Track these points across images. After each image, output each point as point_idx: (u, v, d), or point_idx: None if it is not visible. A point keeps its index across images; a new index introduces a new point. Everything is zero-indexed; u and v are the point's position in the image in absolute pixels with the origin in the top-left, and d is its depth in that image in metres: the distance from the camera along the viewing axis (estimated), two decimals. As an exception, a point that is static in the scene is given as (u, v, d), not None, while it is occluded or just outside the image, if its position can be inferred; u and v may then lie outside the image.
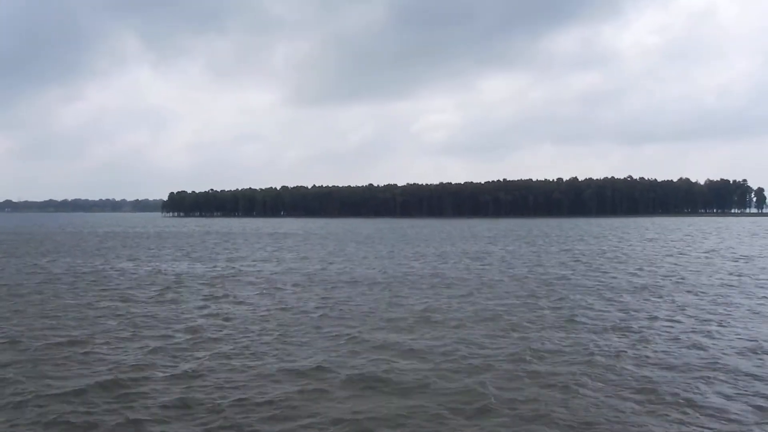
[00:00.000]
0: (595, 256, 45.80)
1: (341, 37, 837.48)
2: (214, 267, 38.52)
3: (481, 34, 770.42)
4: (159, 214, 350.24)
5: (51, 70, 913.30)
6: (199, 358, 14.60)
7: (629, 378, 12.86)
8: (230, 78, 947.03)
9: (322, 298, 24.46)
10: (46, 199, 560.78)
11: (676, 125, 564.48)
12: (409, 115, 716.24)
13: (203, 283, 29.57)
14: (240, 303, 23.33)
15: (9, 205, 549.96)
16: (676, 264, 38.92)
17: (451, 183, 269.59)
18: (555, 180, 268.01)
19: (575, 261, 41.94)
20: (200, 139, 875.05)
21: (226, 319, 19.79)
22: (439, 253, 49.46)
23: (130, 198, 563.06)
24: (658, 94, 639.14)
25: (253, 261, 43.21)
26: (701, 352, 14.99)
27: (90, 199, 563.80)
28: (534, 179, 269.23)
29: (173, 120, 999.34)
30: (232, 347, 15.79)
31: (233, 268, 37.77)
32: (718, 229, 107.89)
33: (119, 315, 20.54)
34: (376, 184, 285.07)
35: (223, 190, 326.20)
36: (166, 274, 34.00)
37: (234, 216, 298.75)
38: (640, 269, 35.72)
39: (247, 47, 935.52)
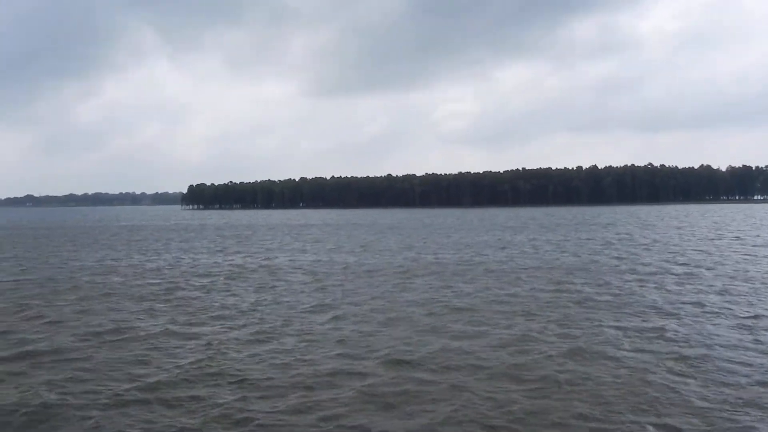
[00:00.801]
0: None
1: (358, 27, 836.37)
2: (314, 259, 38.31)
3: (499, 23, 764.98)
4: (178, 207, 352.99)
5: (69, 66, 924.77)
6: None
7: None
8: (247, 70, 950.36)
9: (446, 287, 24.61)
10: (67, 193, 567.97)
11: (696, 111, 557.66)
12: (426, 104, 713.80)
13: (307, 278, 28.58)
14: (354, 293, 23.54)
15: (30, 200, 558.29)
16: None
17: (469, 172, 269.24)
18: (574, 168, 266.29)
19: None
20: (218, 131, 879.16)
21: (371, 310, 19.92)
22: (505, 242, 49.84)
23: (149, 191, 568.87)
24: (677, 80, 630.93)
25: (330, 252, 42.87)
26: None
27: (110, 192, 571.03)
28: (553, 168, 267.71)
29: (191, 112, 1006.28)
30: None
31: (322, 259, 37.59)
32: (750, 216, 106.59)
33: (240, 308, 20.57)
34: (394, 174, 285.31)
35: (242, 182, 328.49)
36: (274, 266, 34.13)
37: (253, 208, 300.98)
38: None
39: (263, 39, 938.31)
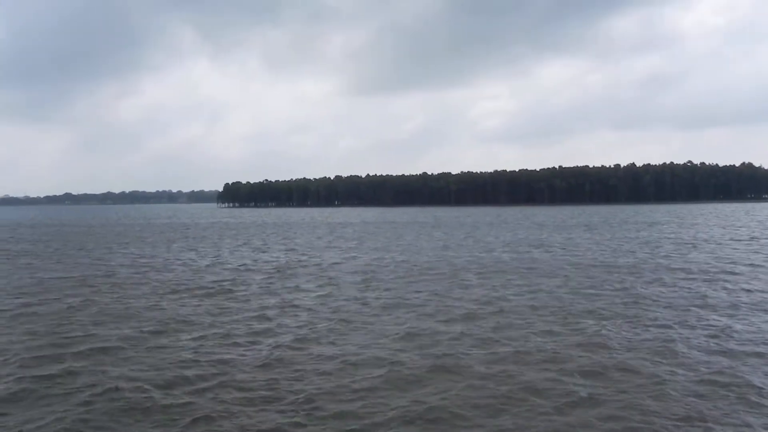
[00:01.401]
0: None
1: (396, 25, 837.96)
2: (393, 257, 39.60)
3: (538, 19, 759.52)
4: (214, 205, 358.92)
5: (108, 66, 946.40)
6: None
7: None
8: (285, 68, 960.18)
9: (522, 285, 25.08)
10: (105, 191, 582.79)
11: (740, 108, 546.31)
12: (463, 102, 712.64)
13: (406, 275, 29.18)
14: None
15: (69, 198, 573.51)
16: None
17: (506, 171, 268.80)
18: (612, 166, 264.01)
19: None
20: (255, 130, 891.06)
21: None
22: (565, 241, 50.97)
23: (185, 189, 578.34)
24: (722, 76, 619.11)
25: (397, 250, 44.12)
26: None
27: (147, 191, 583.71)
28: (590, 165, 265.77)
29: (228, 112, 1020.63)
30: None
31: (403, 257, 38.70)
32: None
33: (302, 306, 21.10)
34: (429, 173, 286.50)
35: (278, 180, 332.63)
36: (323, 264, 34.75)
37: (288, 206, 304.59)
38: None
39: (302, 37, 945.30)
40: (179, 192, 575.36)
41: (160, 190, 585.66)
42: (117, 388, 11.82)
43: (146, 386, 11.99)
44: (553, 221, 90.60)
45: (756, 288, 23.37)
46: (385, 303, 21.28)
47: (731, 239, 49.07)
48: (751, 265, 31.09)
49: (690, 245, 43.77)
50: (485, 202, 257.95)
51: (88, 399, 11.39)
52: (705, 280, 25.80)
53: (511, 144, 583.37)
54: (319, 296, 23.14)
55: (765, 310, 18.99)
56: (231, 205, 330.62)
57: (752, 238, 50.44)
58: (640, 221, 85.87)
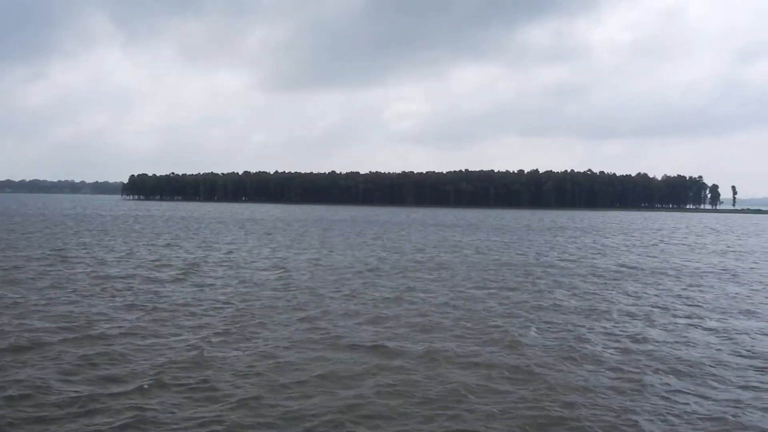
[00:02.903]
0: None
1: (318, 22, 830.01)
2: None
3: (457, 24, 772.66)
4: (119, 196, 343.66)
5: (17, 50, 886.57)
6: None
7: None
8: (202, 61, 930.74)
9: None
10: (4, 179, 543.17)
11: (639, 121, 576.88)
12: (378, 103, 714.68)
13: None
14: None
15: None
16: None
17: (413, 172, 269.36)
18: (516, 171, 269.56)
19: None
20: (166, 121, 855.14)
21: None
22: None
23: (89, 180, 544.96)
24: (624, 90, 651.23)
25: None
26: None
27: (48, 180, 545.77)
28: (496, 170, 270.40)
29: (140, 102, 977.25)
30: None
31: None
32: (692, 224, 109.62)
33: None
34: (339, 172, 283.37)
35: (185, 174, 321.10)
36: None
37: (195, 200, 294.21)
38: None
39: (222, 30, 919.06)
40: (82, 182, 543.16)
41: (63, 179, 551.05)
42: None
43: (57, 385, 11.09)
44: (465, 222, 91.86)
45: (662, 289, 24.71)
46: (298, 303, 20.04)
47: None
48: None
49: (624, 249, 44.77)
50: (392, 203, 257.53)
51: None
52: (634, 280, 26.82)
53: (423, 146, 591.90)
54: (231, 293, 21.72)
55: (666, 308, 20.37)
56: (136, 197, 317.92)
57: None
58: (558, 225, 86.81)
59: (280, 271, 28.39)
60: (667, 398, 11.25)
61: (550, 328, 16.94)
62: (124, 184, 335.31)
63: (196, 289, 22.41)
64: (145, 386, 11.14)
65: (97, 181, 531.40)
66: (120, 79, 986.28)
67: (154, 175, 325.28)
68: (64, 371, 11.96)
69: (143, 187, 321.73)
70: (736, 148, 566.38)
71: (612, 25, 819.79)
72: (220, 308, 18.78)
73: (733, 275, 30.74)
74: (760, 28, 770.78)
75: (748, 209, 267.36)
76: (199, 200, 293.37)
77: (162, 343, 14.22)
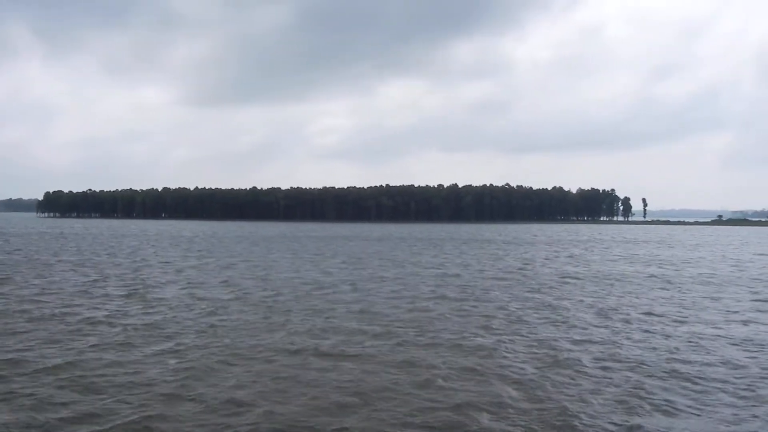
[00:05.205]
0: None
1: (245, 37, 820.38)
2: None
3: (385, 40, 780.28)
4: (33, 214, 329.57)
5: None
6: None
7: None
8: (125, 75, 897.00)
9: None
10: None
11: (558, 136, 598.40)
12: (303, 118, 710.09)
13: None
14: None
15: None
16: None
17: (334, 187, 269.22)
18: (436, 186, 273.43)
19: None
20: (84, 136, 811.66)
21: None
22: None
23: (2, 197, 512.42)
24: (545, 105, 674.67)
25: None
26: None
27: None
28: (416, 185, 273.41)
29: (59, 116, 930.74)
30: None
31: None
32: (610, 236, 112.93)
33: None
34: (260, 187, 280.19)
35: (102, 191, 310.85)
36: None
37: (113, 217, 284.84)
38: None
39: (146, 44, 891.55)
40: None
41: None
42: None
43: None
44: (379, 235, 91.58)
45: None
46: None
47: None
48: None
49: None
50: (314, 218, 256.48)
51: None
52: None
53: (346, 161, 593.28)
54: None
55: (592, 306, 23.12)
56: (52, 215, 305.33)
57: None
58: (476, 238, 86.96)
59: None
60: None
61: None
62: (39, 201, 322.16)
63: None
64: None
65: (10, 198, 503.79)
66: (39, 93, 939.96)
67: (71, 191, 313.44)
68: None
69: (59, 204, 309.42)
70: (646, 162, 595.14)
71: (535, 42, 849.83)
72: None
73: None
74: (672, 47, 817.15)
75: (658, 220, 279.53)
76: (117, 217, 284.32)
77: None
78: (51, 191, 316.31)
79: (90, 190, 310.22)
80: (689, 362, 14.64)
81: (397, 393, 12.02)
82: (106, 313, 20.83)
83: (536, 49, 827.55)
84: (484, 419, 10.66)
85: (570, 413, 10.91)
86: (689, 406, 11.44)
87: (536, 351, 15.59)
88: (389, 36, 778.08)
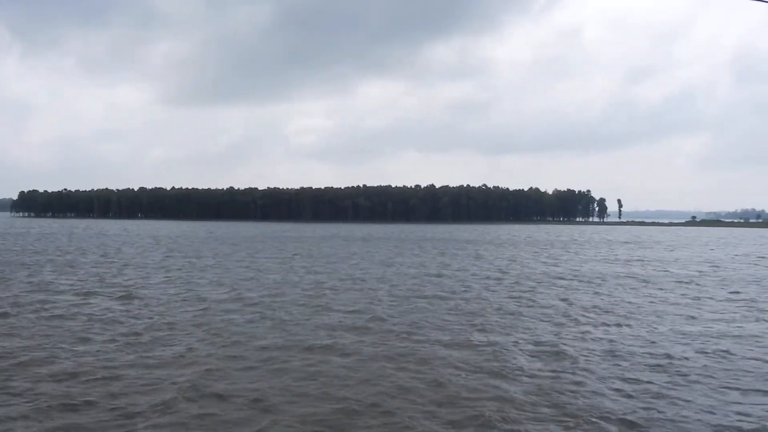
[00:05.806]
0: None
1: (224, 37, 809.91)
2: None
3: (364, 40, 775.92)
4: (7, 214, 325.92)
5: None
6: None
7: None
8: (103, 73, 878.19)
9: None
10: None
11: (536, 137, 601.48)
12: (282, 118, 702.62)
13: None
14: None
15: None
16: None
17: (311, 187, 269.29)
18: (413, 187, 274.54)
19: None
20: (60, 135, 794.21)
21: None
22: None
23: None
24: (524, 106, 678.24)
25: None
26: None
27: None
28: (393, 185, 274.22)
29: (34, 114, 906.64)
30: None
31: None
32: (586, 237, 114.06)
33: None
34: (238, 187, 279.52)
35: (78, 190, 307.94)
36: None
37: (89, 217, 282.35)
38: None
39: (126, 42, 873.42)
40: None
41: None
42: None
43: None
44: (379, 235, 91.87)
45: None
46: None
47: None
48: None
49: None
50: (290, 218, 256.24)
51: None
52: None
53: (324, 161, 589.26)
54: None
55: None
56: (26, 214, 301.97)
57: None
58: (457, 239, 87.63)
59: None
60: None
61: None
62: (13, 200, 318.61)
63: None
64: None
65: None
66: (15, 91, 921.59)
67: (46, 191, 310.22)
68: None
69: (34, 203, 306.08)
70: (622, 163, 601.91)
71: (514, 43, 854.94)
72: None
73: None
74: (649, 50, 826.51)
75: (633, 221, 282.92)
76: (93, 217, 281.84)
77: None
78: (26, 190, 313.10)
79: (66, 189, 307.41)
80: (689, 359, 15.47)
81: (409, 392, 12.52)
82: (108, 314, 21.43)
83: (515, 50, 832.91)
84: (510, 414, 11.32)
85: (569, 410, 11.42)
86: (689, 402, 12.10)
87: (536, 348, 16.39)
88: (370, 36, 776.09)
